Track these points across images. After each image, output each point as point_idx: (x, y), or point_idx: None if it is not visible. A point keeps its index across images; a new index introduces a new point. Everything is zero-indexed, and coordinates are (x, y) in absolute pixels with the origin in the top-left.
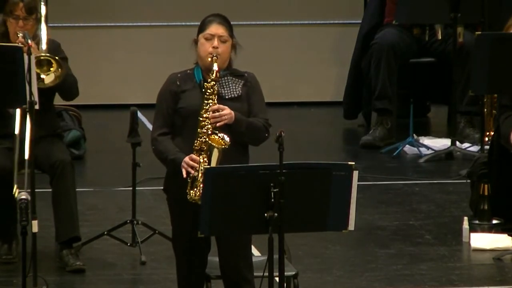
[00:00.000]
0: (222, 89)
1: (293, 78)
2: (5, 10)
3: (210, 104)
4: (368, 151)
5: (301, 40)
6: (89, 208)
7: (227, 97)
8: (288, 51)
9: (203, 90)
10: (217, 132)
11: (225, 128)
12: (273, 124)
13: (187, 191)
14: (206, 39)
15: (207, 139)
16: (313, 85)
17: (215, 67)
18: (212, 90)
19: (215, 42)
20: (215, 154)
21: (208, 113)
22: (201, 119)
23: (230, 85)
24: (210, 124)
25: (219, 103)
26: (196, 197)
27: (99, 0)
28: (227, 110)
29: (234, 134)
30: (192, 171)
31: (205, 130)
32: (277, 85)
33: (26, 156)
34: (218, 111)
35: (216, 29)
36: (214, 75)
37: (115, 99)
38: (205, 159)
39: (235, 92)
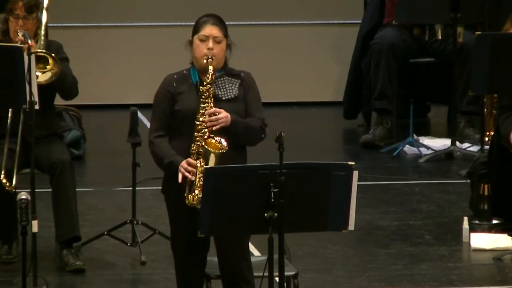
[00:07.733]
0: (219, 91)
1: (293, 78)
2: (6, 8)
3: (206, 108)
4: (368, 151)
5: (301, 40)
6: (89, 208)
7: (223, 98)
8: (288, 51)
9: (199, 93)
10: (214, 136)
11: (222, 131)
12: (273, 124)
13: (185, 195)
14: (201, 40)
15: (203, 144)
16: (313, 85)
17: (210, 70)
18: (208, 93)
19: (210, 44)
20: (212, 159)
21: (204, 116)
22: (197, 123)
23: (227, 86)
24: (207, 128)
25: (215, 104)
26: (194, 202)
27: (100, 0)
28: (223, 114)
29: (231, 136)
30: (190, 176)
31: (201, 134)
32: (277, 85)
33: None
34: (215, 115)
35: (210, 30)
36: (209, 78)
37: (115, 99)
38: (203, 163)
39: (231, 93)
